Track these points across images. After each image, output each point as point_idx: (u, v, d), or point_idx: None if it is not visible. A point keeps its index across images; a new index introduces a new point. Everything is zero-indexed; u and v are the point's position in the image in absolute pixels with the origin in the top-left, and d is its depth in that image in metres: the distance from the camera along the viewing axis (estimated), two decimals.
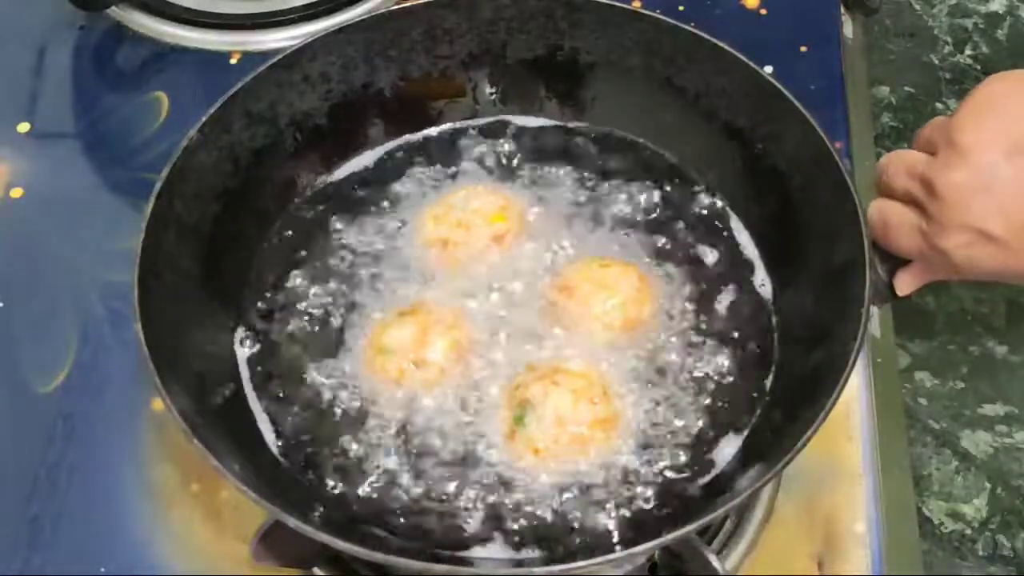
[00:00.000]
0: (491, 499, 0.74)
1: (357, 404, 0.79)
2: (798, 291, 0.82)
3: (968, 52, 2.24)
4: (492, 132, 0.93)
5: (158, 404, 0.84)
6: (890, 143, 2.10)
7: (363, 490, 0.75)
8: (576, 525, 0.73)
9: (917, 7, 2.30)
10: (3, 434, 0.88)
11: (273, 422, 0.79)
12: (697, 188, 0.89)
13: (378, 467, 0.76)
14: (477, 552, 0.73)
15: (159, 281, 0.76)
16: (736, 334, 0.81)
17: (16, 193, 1.00)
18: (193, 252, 0.81)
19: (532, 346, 0.80)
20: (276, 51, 0.87)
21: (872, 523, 0.81)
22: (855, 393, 0.86)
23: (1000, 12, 2.29)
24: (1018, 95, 0.71)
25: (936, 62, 2.23)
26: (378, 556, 0.66)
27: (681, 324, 0.82)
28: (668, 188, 0.89)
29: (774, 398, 0.78)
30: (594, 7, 0.89)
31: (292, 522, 0.66)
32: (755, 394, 0.79)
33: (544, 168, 0.90)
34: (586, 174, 0.90)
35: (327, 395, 0.79)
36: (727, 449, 0.77)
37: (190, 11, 1.12)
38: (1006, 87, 0.72)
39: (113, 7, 1.11)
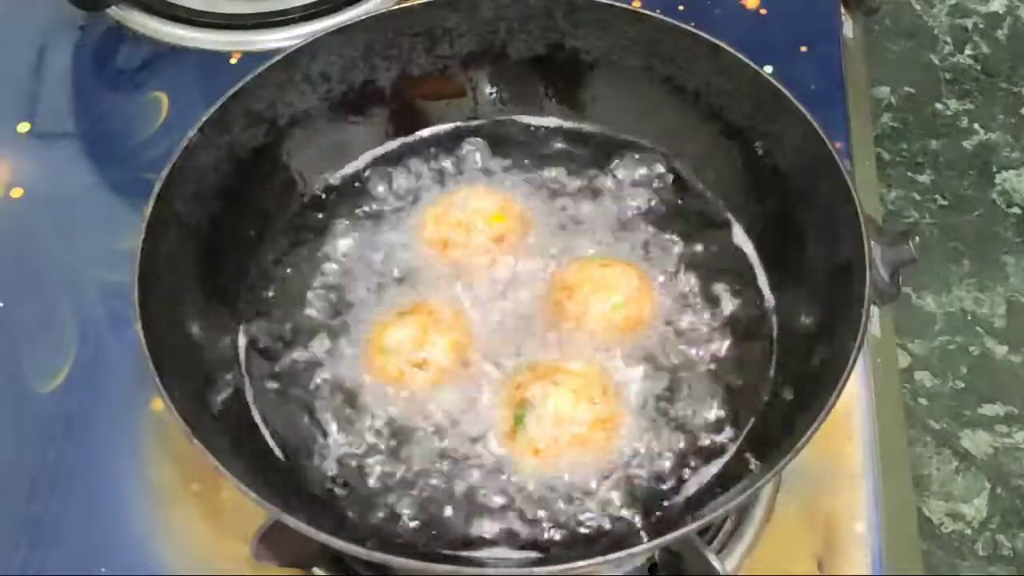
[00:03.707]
0: (491, 499, 0.74)
1: (357, 404, 0.79)
2: (798, 291, 0.82)
3: (968, 52, 2.24)
4: (492, 132, 0.93)
5: (158, 404, 0.83)
6: (890, 143, 2.11)
7: (363, 490, 0.75)
8: (576, 524, 0.73)
9: (917, 7, 2.30)
10: (3, 434, 0.88)
11: (273, 421, 0.79)
12: (697, 188, 0.89)
13: (378, 467, 0.76)
14: (477, 552, 0.73)
15: (159, 281, 0.76)
16: (736, 334, 0.81)
17: (16, 193, 1.00)
18: (193, 252, 0.81)
19: (532, 346, 0.80)
20: (276, 51, 0.87)
21: (872, 523, 0.81)
22: (855, 393, 0.86)
23: (1000, 12, 2.30)
24: None
25: (936, 62, 2.23)
26: (378, 556, 0.66)
27: (681, 324, 0.82)
28: (668, 188, 0.89)
29: (774, 398, 0.78)
30: (594, 7, 0.89)
31: (292, 522, 0.66)
32: (755, 394, 0.79)
33: (544, 168, 0.90)
34: (586, 174, 0.90)
35: (327, 395, 0.79)
36: (727, 449, 0.77)
37: (190, 11, 1.12)
38: None
39: (113, 7, 1.11)
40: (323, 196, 0.90)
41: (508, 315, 0.82)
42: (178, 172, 0.80)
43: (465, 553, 0.73)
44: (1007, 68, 2.22)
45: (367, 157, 0.92)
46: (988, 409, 1.80)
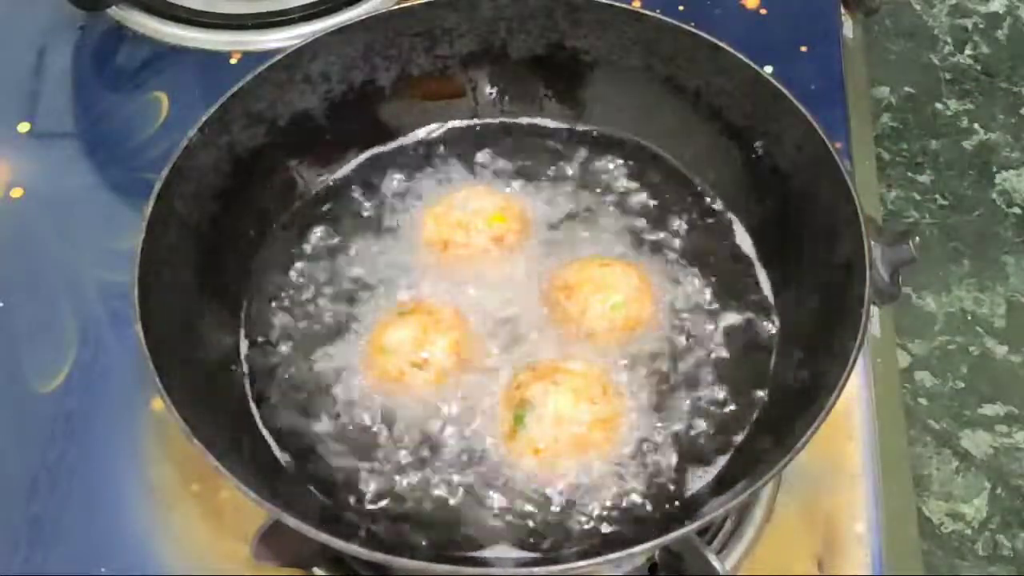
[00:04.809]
0: (491, 499, 0.74)
1: (357, 404, 0.79)
2: (798, 291, 0.82)
3: (968, 52, 2.24)
4: (492, 132, 0.93)
5: (158, 404, 0.83)
6: (890, 143, 2.11)
7: (363, 490, 0.75)
8: (576, 525, 0.73)
9: (917, 7, 2.30)
10: (3, 434, 0.88)
11: (273, 421, 0.79)
12: (697, 188, 0.89)
13: (378, 467, 0.76)
14: (477, 552, 0.73)
15: (159, 281, 0.76)
16: (735, 334, 0.81)
17: (16, 193, 1.00)
18: (193, 252, 0.81)
19: (532, 346, 0.80)
20: (276, 51, 0.87)
21: (872, 523, 0.81)
22: (855, 393, 0.86)
23: (1000, 12, 2.30)
24: None
25: (936, 62, 2.23)
26: (378, 556, 0.66)
27: (681, 324, 0.82)
28: (668, 188, 0.89)
29: (774, 398, 0.78)
30: (594, 7, 0.89)
31: (292, 522, 0.66)
32: (755, 393, 0.79)
33: (544, 168, 0.90)
34: (585, 174, 0.90)
35: (327, 395, 0.79)
36: (727, 448, 0.77)
37: (190, 11, 1.12)
38: None
39: (113, 7, 1.11)
40: (323, 196, 0.90)
41: (508, 315, 0.82)
42: (178, 172, 0.80)
43: (465, 553, 0.73)
44: (1007, 68, 2.22)
45: (367, 157, 0.92)
46: (988, 409, 1.80)
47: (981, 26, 2.27)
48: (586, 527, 0.73)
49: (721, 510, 0.70)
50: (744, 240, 0.86)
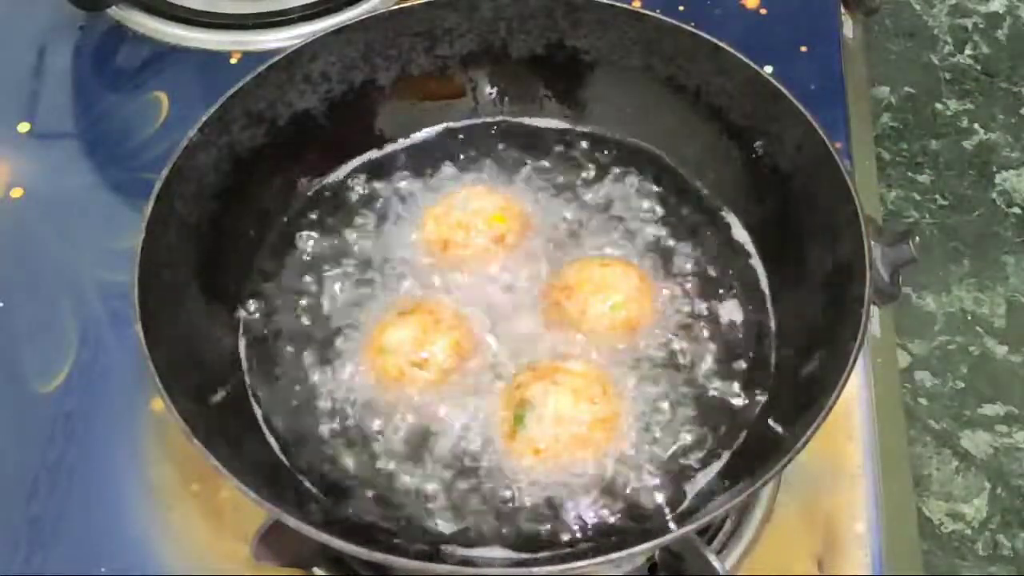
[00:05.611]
0: (491, 499, 0.74)
1: (357, 404, 0.79)
2: (798, 291, 0.82)
3: (968, 52, 2.24)
4: (492, 132, 0.93)
5: (158, 404, 0.83)
6: (890, 143, 2.11)
7: (363, 490, 0.75)
8: (576, 525, 0.73)
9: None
10: (3, 434, 0.88)
11: (273, 421, 0.79)
12: (697, 188, 0.89)
13: (378, 467, 0.76)
14: (477, 552, 0.73)
15: (159, 281, 0.76)
16: (736, 334, 0.81)
17: (16, 193, 1.00)
18: (193, 252, 0.81)
19: (532, 346, 0.80)
20: (276, 51, 0.87)
21: (872, 523, 0.81)
22: (855, 393, 0.86)
23: (1000, 12, 2.30)
24: None
25: (936, 62, 2.23)
26: (378, 556, 0.66)
27: (681, 324, 0.82)
28: (668, 188, 0.89)
29: (774, 398, 0.78)
30: (594, 7, 0.89)
31: (292, 522, 0.66)
32: (755, 393, 0.79)
33: (544, 168, 0.90)
34: (586, 174, 0.90)
35: (327, 395, 0.79)
36: (727, 448, 0.77)
37: (190, 11, 1.12)
38: None
39: (113, 7, 1.11)
40: (322, 196, 0.90)
41: (508, 315, 0.82)
42: (178, 172, 0.80)
43: (464, 552, 0.73)
44: (1007, 68, 2.22)
45: (367, 157, 0.92)
46: (988, 409, 1.80)
47: (981, 26, 2.27)
48: (586, 527, 0.73)
49: (721, 510, 0.70)
50: (744, 240, 0.86)
